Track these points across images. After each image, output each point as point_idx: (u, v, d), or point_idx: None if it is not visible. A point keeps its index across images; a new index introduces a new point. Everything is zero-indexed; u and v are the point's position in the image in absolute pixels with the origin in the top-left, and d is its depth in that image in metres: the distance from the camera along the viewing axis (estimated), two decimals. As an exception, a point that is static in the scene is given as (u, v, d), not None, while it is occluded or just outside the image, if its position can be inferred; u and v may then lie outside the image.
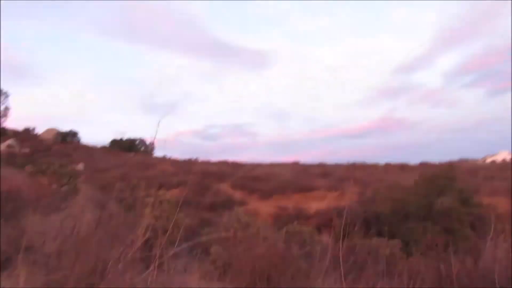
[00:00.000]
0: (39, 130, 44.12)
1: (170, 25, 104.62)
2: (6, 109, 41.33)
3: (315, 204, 24.01)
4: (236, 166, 39.46)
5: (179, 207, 9.31)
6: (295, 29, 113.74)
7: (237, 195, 26.67)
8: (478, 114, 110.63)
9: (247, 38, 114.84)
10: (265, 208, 24.21)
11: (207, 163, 43.36)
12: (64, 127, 45.36)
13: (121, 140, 48.04)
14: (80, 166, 29.52)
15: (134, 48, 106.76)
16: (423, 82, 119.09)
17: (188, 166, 39.89)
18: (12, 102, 41.53)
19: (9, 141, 32.84)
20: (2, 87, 40.15)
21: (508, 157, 54.76)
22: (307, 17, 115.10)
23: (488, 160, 54.35)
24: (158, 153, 49.39)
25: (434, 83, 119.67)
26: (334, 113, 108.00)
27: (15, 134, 39.23)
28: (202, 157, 46.33)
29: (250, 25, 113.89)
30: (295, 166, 40.15)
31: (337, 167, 37.36)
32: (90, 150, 41.86)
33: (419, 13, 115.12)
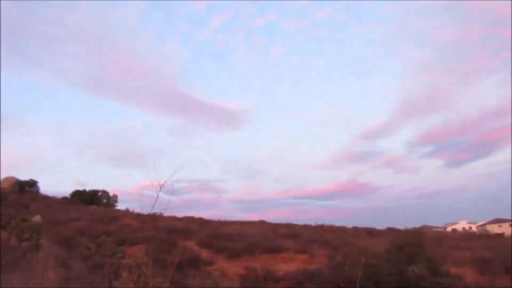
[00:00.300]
0: (-4, 178, 41.84)
1: (143, 81, 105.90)
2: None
3: (284, 266, 23.48)
4: (203, 223, 38.51)
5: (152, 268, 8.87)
6: (268, 92, 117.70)
7: (204, 253, 25.76)
8: (437, 183, 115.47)
9: (219, 97, 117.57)
10: (233, 268, 23.44)
11: (172, 219, 42.10)
12: (24, 176, 43.41)
13: (83, 191, 46.30)
14: (38, 218, 27.86)
15: (104, 100, 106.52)
16: (386, 149, 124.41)
17: (152, 220, 38.53)
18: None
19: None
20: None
21: (467, 226, 56.50)
22: (279, 82, 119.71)
23: (449, 228, 55.75)
24: (120, 206, 47.86)
25: (397, 151, 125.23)
26: (301, 174, 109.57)
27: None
28: (167, 211, 45.01)
29: (222, 85, 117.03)
30: (263, 225, 39.59)
31: (305, 228, 37.18)
32: (49, 201, 39.85)
33: (382, 86, 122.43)
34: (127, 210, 45.48)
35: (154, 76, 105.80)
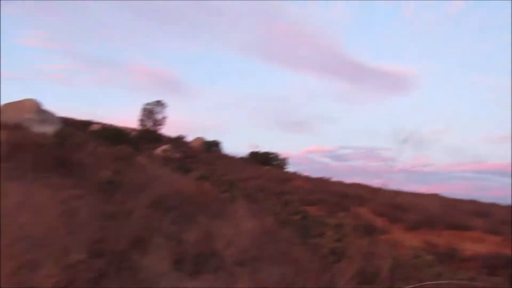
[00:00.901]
0: (189, 138, 48.48)
1: (307, 47, 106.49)
2: (164, 118, 47.11)
3: (471, 246, 21.11)
4: (373, 191, 37.47)
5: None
6: (442, 54, 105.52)
7: (378, 222, 25.00)
8: None
9: (385, 60, 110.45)
10: (411, 241, 22.13)
11: (340, 184, 42.16)
12: (209, 137, 49.07)
13: (258, 152, 49.80)
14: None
15: (271, 67, 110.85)
16: None
17: (323, 184, 39.23)
18: (168, 112, 47.30)
19: (165, 146, 36.38)
20: (161, 98, 46.26)
21: None
22: (455, 42, 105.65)
23: None
24: (289, 168, 49.96)
25: None
26: (484, 145, 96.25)
27: (169, 140, 43.71)
28: (332, 177, 44.93)
29: (389, 47, 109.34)
30: (439, 199, 36.40)
31: (492, 206, 32.75)
32: (230, 160, 44.23)
33: None
34: (295, 173, 47.14)
35: (319, 41, 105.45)
